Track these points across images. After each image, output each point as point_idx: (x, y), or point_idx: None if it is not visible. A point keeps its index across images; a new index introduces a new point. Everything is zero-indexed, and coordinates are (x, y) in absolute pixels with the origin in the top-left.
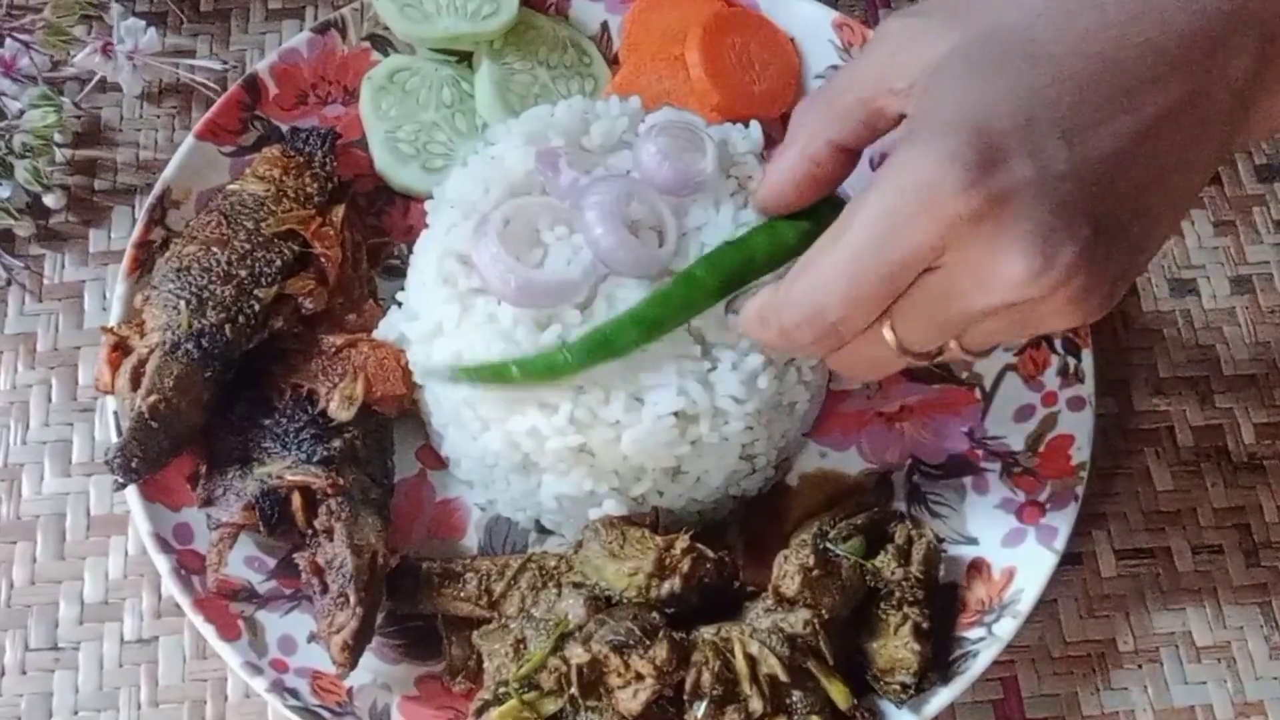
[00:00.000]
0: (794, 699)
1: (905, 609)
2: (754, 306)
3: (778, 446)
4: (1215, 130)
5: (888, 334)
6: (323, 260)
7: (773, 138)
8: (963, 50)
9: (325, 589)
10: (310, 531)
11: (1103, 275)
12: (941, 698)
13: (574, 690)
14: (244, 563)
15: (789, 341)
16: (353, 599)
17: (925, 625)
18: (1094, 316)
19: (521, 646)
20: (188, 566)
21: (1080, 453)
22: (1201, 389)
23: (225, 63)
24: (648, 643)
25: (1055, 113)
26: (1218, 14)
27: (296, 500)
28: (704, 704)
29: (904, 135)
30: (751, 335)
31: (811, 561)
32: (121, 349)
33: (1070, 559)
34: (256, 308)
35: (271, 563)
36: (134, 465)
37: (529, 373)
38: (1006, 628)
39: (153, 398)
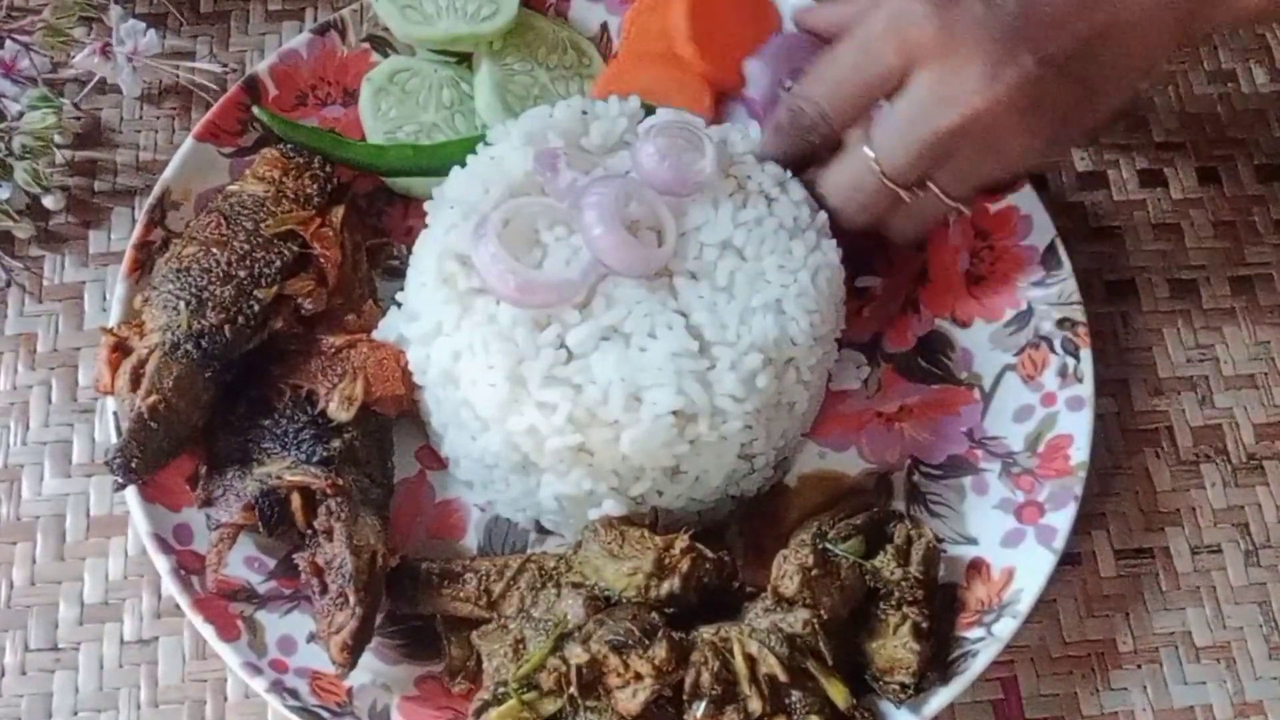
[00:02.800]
0: (793, 699)
1: (905, 609)
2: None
3: (777, 446)
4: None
5: (867, 150)
6: (322, 261)
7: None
8: None
9: (325, 589)
10: (310, 532)
11: (1050, 100)
12: (941, 698)
13: (573, 690)
14: (244, 563)
15: (786, 134)
16: (352, 599)
17: (925, 625)
18: (1050, 144)
19: (521, 647)
20: (187, 567)
21: (1079, 453)
22: (1201, 389)
23: (225, 64)
24: (647, 643)
25: None
26: None
27: (296, 500)
28: (703, 704)
29: None
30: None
31: (811, 561)
32: (121, 350)
33: (1070, 559)
34: (256, 308)
35: (271, 563)
36: (134, 466)
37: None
38: (1006, 628)
39: (152, 398)
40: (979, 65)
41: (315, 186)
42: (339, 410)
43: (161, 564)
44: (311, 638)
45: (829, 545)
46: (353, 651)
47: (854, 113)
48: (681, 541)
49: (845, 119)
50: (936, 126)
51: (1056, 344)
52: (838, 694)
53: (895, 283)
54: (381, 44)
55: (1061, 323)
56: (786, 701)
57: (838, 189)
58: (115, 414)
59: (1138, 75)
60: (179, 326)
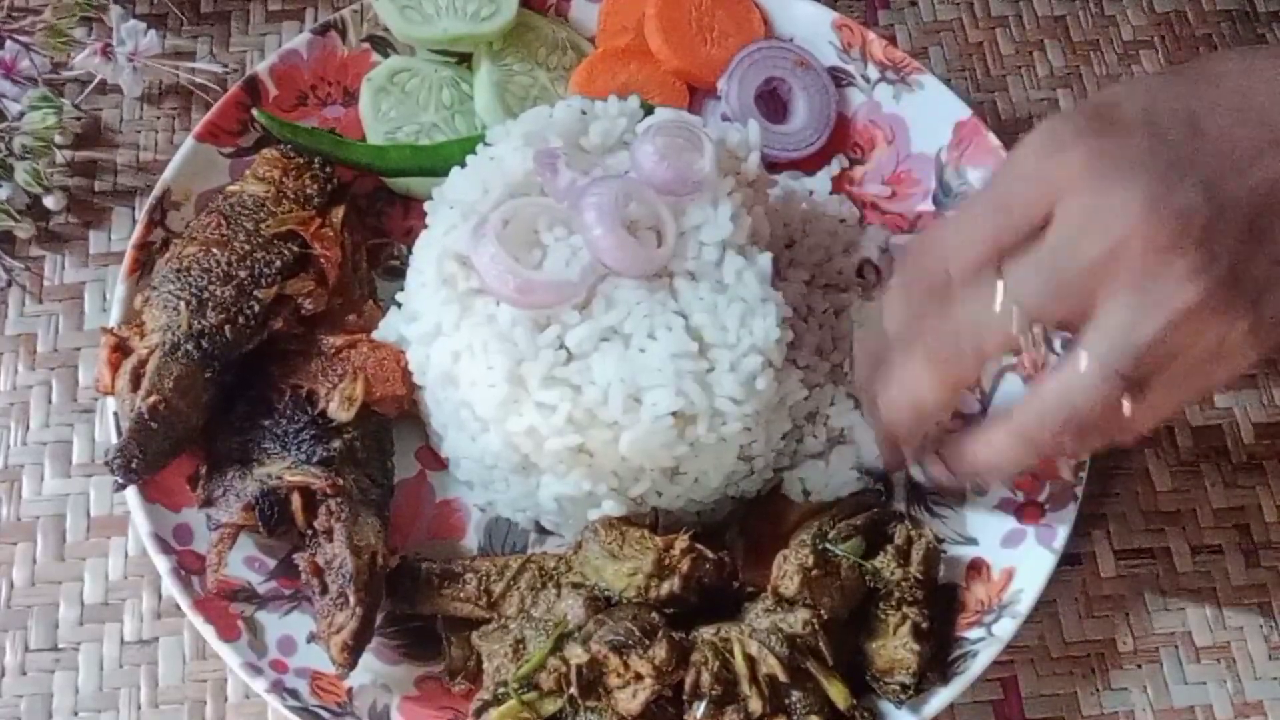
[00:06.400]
0: (793, 699)
1: (904, 609)
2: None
3: (776, 448)
4: None
5: (1000, 286)
6: (322, 261)
7: None
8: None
9: (325, 589)
10: (310, 532)
11: (1225, 253)
12: (941, 698)
13: (573, 690)
14: (244, 563)
15: (911, 292)
16: (352, 599)
17: (924, 625)
18: (1244, 321)
19: (521, 647)
20: (187, 567)
21: None
22: None
23: (225, 64)
24: (647, 643)
25: (1181, 116)
26: None
27: (296, 501)
28: (703, 704)
29: None
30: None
31: (811, 561)
32: (121, 350)
33: (1070, 559)
34: (256, 308)
35: (271, 563)
36: (134, 466)
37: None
38: (1006, 628)
39: (153, 398)
40: (1135, 191)
41: (315, 187)
42: (339, 410)
43: (161, 564)
44: (312, 638)
45: (829, 545)
46: (353, 651)
47: (980, 263)
48: (681, 542)
49: (969, 270)
50: (1080, 258)
51: (1057, 344)
52: (838, 694)
53: None
54: (381, 44)
55: None
56: (787, 702)
57: (964, 339)
58: (115, 414)
59: None
60: (179, 327)
